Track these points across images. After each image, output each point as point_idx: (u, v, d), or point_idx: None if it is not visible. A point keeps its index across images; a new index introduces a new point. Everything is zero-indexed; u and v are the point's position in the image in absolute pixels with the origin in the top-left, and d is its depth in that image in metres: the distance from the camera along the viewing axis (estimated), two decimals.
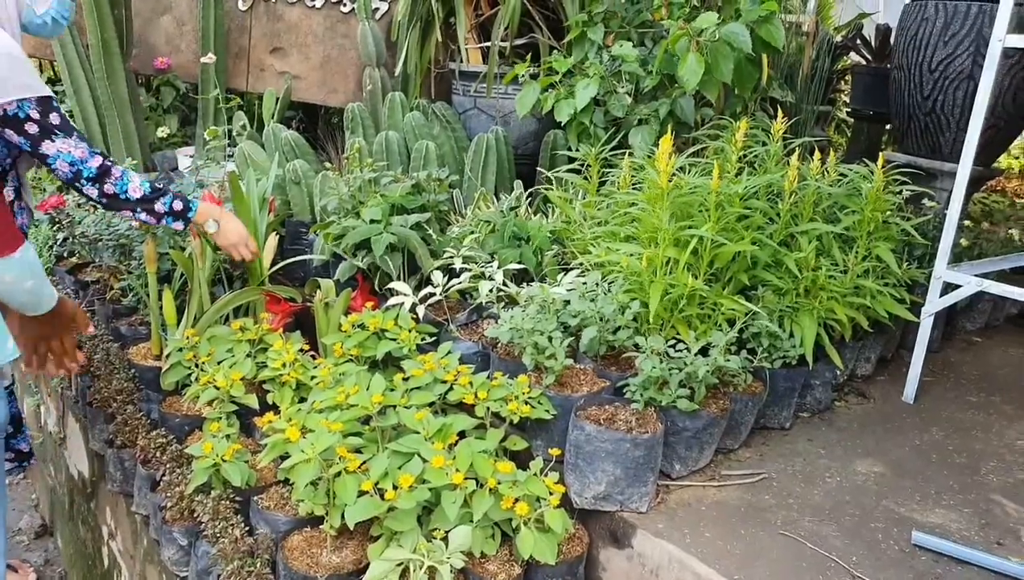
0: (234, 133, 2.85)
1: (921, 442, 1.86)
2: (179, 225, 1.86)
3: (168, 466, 1.67)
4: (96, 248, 2.42)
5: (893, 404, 2.06)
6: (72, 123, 1.67)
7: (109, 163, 1.72)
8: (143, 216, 1.79)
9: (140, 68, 3.35)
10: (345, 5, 3.05)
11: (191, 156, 3.09)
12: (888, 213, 2.04)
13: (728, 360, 1.62)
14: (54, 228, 2.61)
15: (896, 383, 2.15)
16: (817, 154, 2.01)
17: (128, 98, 3.12)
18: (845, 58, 3.98)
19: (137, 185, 1.75)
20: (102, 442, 1.95)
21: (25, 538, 2.62)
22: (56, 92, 3.44)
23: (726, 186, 1.81)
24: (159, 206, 1.79)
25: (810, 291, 1.89)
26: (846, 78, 4.10)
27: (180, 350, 1.90)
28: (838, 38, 3.82)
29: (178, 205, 1.84)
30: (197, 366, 1.86)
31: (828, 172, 2.05)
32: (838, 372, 1.98)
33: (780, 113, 2.08)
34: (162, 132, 3.40)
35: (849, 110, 4.11)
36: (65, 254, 2.63)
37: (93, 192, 1.71)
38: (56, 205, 2.37)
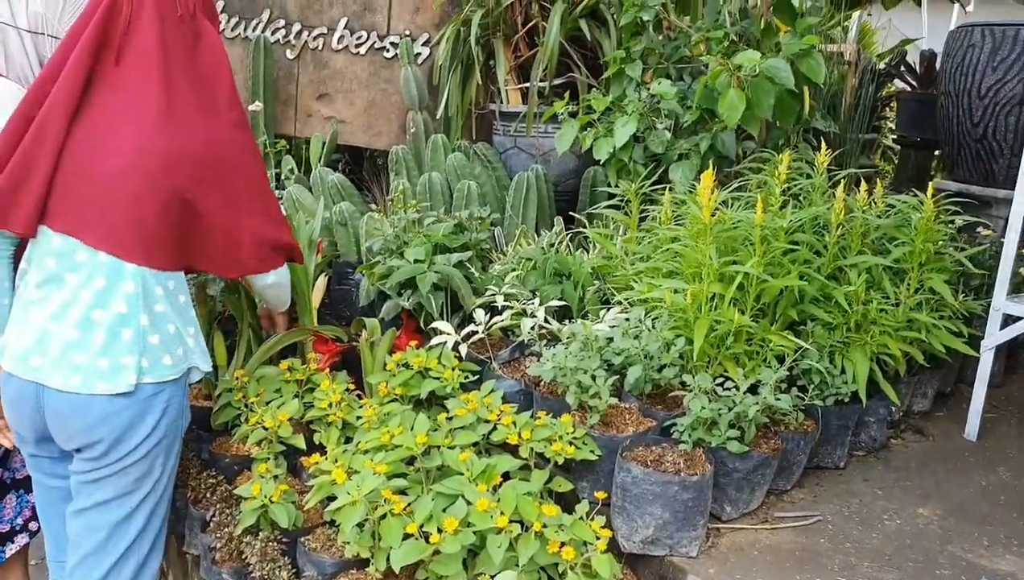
0: (282, 177, 2.94)
1: (987, 483, 1.78)
2: None
3: (218, 507, 1.70)
4: None
5: (954, 442, 1.98)
6: None
7: None
8: None
9: None
10: (388, 51, 3.13)
11: None
12: (941, 243, 1.98)
13: (779, 398, 1.58)
14: None
15: (956, 420, 2.07)
16: (864, 185, 1.97)
17: None
18: (889, 85, 3.93)
19: None
20: None
21: None
22: None
23: (770, 220, 1.79)
24: None
25: (861, 325, 1.84)
26: (891, 105, 4.04)
27: (230, 390, 1.93)
28: (881, 65, 3.78)
29: None
30: (246, 406, 1.89)
31: (876, 203, 2.01)
32: (893, 409, 1.92)
33: (824, 144, 2.06)
34: None
35: (895, 137, 4.04)
36: None
37: None
38: None
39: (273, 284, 1.74)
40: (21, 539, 2.01)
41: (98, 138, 1.46)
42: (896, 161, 4.10)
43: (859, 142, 2.81)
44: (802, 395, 1.71)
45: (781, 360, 1.73)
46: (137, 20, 1.48)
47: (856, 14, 3.50)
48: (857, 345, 1.81)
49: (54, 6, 1.81)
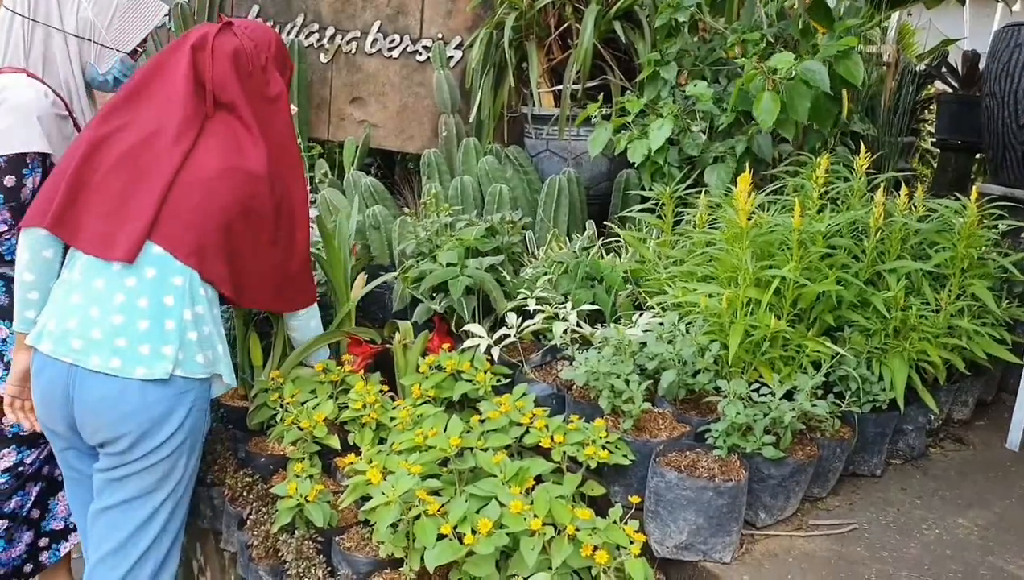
0: (316, 181, 2.97)
1: None
2: None
3: (254, 505, 1.73)
4: None
5: (995, 451, 1.93)
6: (18, 196, 1.74)
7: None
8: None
9: None
10: (420, 55, 3.16)
11: None
12: (984, 248, 1.94)
13: (815, 405, 1.56)
14: None
15: (998, 429, 2.02)
16: (904, 188, 1.94)
17: None
18: (929, 87, 3.85)
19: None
20: None
21: None
22: None
23: (808, 224, 1.77)
24: None
25: (900, 332, 1.81)
26: (931, 107, 3.96)
27: (266, 391, 1.97)
28: (921, 66, 3.71)
29: None
30: (282, 406, 1.92)
31: (916, 207, 1.98)
32: (932, 416, 1.88)
33: (863, 147, 2.03)
34: None
35: (934, 140, 3.96)
36: None
37: None
38: None
39: (295, 327, 1.95)
40: (74, 538, 2.07)
41: (189, 169, 1.60)
42: (935, 165, 4.02)
43: (898, 145, 2.76)
44: (839, 402, 1.69)
45: (817, 366, 1.71)
46: (219, 74, 1.63)
47: (895, 14, 3.44)
48: (896, 351, 1.78)
49: (105, 14, 1.85)
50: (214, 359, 1.63)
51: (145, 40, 1.99)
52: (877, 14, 2.80)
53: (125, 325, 1.52)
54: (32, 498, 1.96)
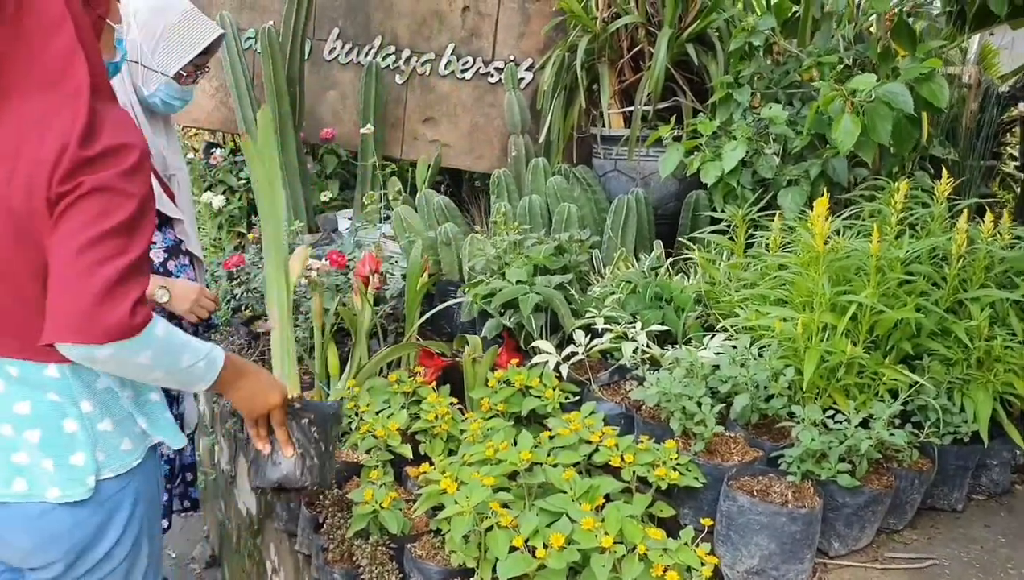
0: (389, 198, 3.07)
1: None
2: None
3: (330, 510, 1.78)
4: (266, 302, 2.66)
5: None
6: None
7: None
8: None
9: (308, 138, 3.69)
10: (492, 76, 3.24)
11: (350, 218, 3.35)
12: None
13: (892, 434, 1.53)
14: (232, 283, 2.90)
15: None
16: (989, 214, 1.89)
17: (298, 166, 3.44)
18: (1012, 108, 3.72)
19: None
20: None
21: (197, 566, 2.86)
22: (236, 162, 3.86)
23: (886, 250, 1.74)
24: None
25: (983, 362, 1.76)
26: (1013, 130, 3.82)
27: (341, 399, 2.03)
28: (1004, 88, 3.59)
29: None
30: (356, 415, 1.98)
31: (1001, 234, 1.92)
32: (1018, 452, 1.81)
33: (944, 172, 1.99)
34: (325, 196, 3.71)
35: (1017, 164, 3.82)
36: (241, 307, 2.91)
37: None
38: (237, 263, 2.64)
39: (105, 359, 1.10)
40: None
41: None
42: (1017, 190, 3.87)
43: (979, 170, 2.68)
44: (917, 432, 1.65)
45: (894, 394, 1.67)
46: None
47: (976, 35, 3.35)
48: (979, 383, 1.72)
49: (150, 40, 1.88)
50: (148, 427, 1.28)
51: (202, 67, 1.97)
52: (959, 35, 2.74)
53: (15, 438, 1.17)
54: None
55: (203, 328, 2.21)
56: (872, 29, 2.61)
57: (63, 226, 1.06)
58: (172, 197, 2.02)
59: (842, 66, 2.22)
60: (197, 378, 1.20)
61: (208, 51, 1.97)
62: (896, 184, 1.86)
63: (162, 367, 1.14)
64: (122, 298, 1.05)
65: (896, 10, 2.23)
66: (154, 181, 1.92)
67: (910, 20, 2.35)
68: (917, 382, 1.66)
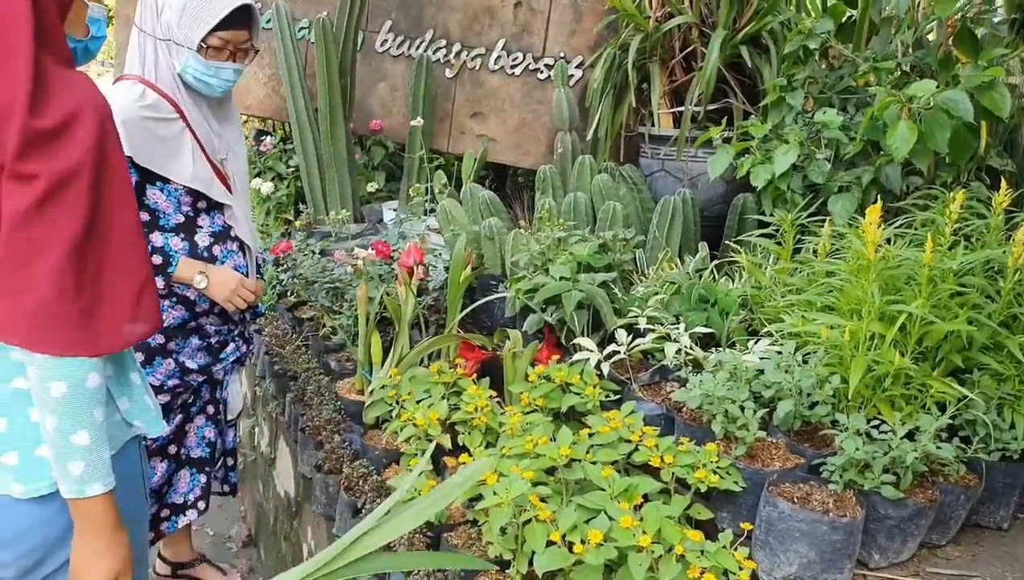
0: (435, 190, 3.10)
1: None
2: (159, 281, 1.83)
3: (369, 495, 1.82)
4: (312, 289, 2.72)
5: None
6: None
7: None
8: None
9: (357, 129, 3.75)
10: (541, 72, 3.25)
11: (395, 209, 3.39)
12: None
13: (939, 447, 1.51)
14: (278, 269, 2.96)
15: None
16: None
17: (346, 156, 3.50)
18: None
19: None
20: (311, 467, 2.16)
21: (234, 545, 2.93)
22: (286, 149, 3.94)
23: (939, 260, 1.71)
24: None
25: None
26: None
27: (383, 387, 2.07)
28: None
29: (157, 259, 1.86)
30: (397, 403, 2.01)
31: None
32: None
33: (1003, 183, 1.94)
34: (371, 187, 3.76)
35: None
36: (287, 293, 2.97)
37: None
38: (285, 250, 2.70)
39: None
40: (191, 514, 2.23)
41: None
42: None
43: None
44: (964, 447, 1.62)
45: (941, 407, 1.65)
46: None
47: None
48: None
49: (176, 13, 1.85)
50: (129, 409, 1.18)
51: (239, 46, 1.90)
52: (1021, 44, 2.67)
53: None
54: (158, 473, 2.13)
55: (250, 315, 2.25)
56: (931, 36, 2.55)
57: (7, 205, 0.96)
58: (225, 181, 2.04)
59: (899, 72, 2.18)
60: (76, 457, 1.03)
61: (236, 26, 1.88)
62: (951, 194, 1.83)
63: (71, 407, 1.01)
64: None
65: (959, 16, 2.18)
66: (207, 165, 2.00)
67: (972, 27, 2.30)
68: (966, 396, 1.63)
